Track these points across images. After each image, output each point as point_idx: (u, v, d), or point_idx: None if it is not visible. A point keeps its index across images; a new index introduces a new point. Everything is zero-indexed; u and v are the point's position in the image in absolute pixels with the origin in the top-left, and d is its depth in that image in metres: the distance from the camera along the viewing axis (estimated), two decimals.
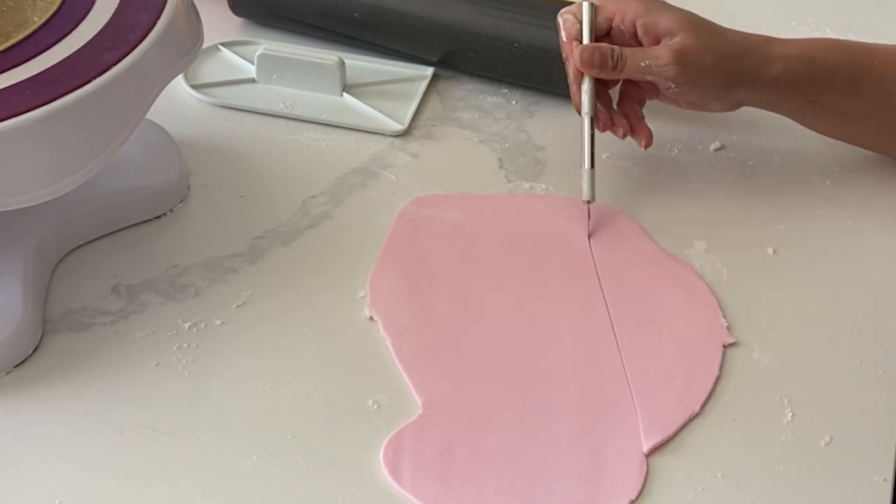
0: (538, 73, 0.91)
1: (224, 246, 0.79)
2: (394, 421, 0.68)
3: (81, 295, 0.75)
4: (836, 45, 0.81)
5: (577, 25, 0.80)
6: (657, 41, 0.78)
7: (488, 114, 0.91)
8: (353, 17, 0.93)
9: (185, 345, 0.72)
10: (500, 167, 0.86)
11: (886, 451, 0.67)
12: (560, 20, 0.81)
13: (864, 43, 0.82)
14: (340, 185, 0.84)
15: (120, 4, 0.72)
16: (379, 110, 0.90)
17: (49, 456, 0.66)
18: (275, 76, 0.92)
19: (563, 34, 0.81)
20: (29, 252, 0.74)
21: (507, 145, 0.88)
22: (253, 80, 0.93)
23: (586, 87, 0.80)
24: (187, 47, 0.75)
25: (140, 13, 0.72)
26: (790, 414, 0.69)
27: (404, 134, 0.89)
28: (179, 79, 0.90)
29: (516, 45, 0.90)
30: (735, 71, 0.79)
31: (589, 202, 0.79)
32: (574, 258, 0.78)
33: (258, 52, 0.92)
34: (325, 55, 0.92)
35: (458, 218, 0.81)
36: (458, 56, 0.92)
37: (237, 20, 0.99)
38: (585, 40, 0.80)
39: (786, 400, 0.70)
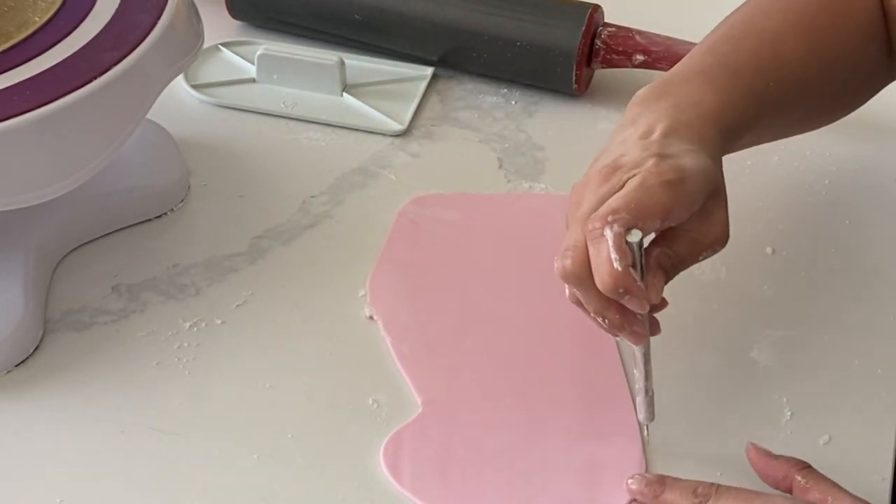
0: (540, 72, 0.91)
1: (224, 246, 0.79)
2: (394, 420, 0.68)
3: (82, 294, 0.75)
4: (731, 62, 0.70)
5: (630, 249, 0.60)
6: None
7: (488, 113, 0.91)
8: (352, 19, 0.93)
9: (186, 344, 0.72)
10: (500, 167, 0.86)
11: (885, 451, 0.67)
12: (612, 239, 0.59)
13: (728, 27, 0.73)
14: (340, 184, 0.84)
15: (120, 5, 0.72)
16: (379, 110, 0.90)
17: (49, 456, 0.66)
18: (275, 76, 0.92)
19: (615, 254, 0.59)
20: (30, 251, 0.74)
21: (507, 145, 0.88)
22: (253, 80, 0.93)
23: (644, 318, 0.62)
24: (187, 47, 0.75)
25: (140, 13, 0.72)
26: (789, 413, 0.69)
27: (404, 134, 0.89)
28: (180, 79, 0.90)
29: (518, 43, 0.90)
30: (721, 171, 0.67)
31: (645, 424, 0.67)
32: None
33: (258, 52, 0.92)
34: (325, 55, 0.92)
35: (458, 218, 0.81)
36: (459, 55, 0.92)
37: (238, 20, 0.99)
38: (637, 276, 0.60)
39: (785, 399, 0.70)
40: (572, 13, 0.89)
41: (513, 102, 0.92)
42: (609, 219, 0.59)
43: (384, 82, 0.93)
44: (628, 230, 0.59)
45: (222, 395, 0.70)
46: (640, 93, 0.69)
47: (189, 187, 0.83)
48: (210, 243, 0.79)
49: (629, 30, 0.90)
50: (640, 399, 0.65)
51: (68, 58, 0.68)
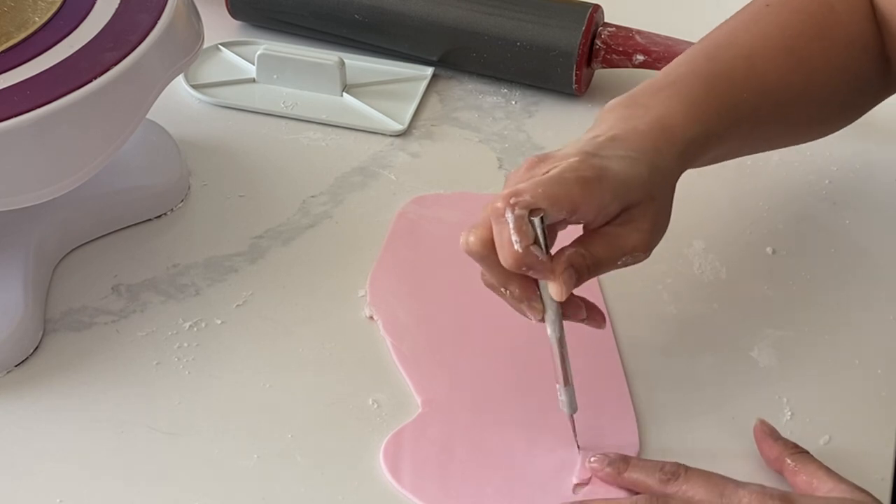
0: (540, 72, 0.91)
1: (224, 246, 0.79)
2: (394, 420, 0.68)
3: (82, 294, 0.75)
4: (703, 88, 0.70)
5: (530, 227, 0.61)
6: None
7: (488, 113, 0.91)
8: (352, 19, 0.93)
9: (186, 344, 0.72)
10: (500, 167, 0.86)
11: (885, 451, 0.67)
12: (510, 216, 0.60)
13: (697, 50, 0.73)
14: (340, 185, 0.84)
15: (120, 5, 0.72)
16: (379, 110, 0.90)
17: (49, 455, 0.66)
18: (275, 76, 0.92)
19: (515, 236, 0.60)
20: (30, 251, 0.74)
21: (507, 145, 0.88)
22: (253, 80, 0.93)
23: (552, 306, 0.64)
24: (187, 47, 0.75)
25: (140, 13, 0.72)
26: (789, 413, 0.69)
27: (404, 134, 0.89)
28: (180, 79, 0.90)
29: (518, 43, 0.90)
30: (673, 191, 0.68)
31: (572, 414, 0.66)
32: None
33: (258, 52, 0.92)
34: (325, 55, 0.92)
35: (458, 218, 0.81)
36: (459, 55, 0.92)
37: (237, 20, 0.99)
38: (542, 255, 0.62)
39: (785, 399, 0.70)
40: (572, 13, 0.89)
41: (513, 102, 0.92)
42: (512, 201, 0.60)
43: (384, 82, 0.93)
44: (532, 212, 0.60)
45: (222, 395, 0.70)
46: (611, 101, 0.70)
47: (189, 187, 0.83)
48: (210, 243, 0.79)
49: (629, 30, 0.90)
50: (559, 389, 0.65)
51: (68, 58, 0.68)
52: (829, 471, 0.63)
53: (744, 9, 0.75)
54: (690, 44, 0.88)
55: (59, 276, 0.77)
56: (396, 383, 0.70)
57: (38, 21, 0.71)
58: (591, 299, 0.75)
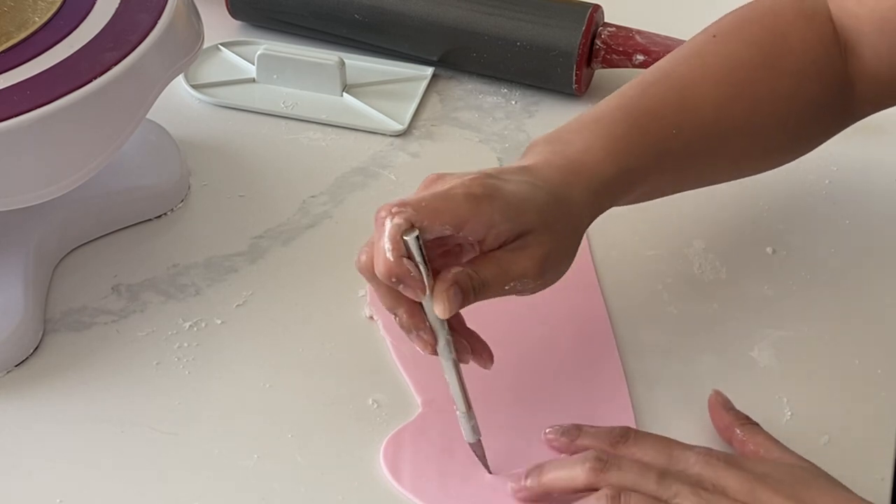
0: (540, 72, 0.91)
1: (224, 246, 0.79)
2: (394, 420, 0.68)
3: (82, 294, 0.75)
4: (620, 124, 0.69)
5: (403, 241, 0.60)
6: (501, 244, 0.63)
7: (488, 114, 0.91)
8: (352, 19, 0.93)
9: (186, 344, 0.72)
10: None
11: (885, 451, 0.67)
12: (388, 225, 0.60)
13: (628, 89, 0.71)
14: (340, 185, 0.84)
15: (120, 4, 0.72)
16: (379, 110, 0.90)
17: (49, 456, 0.66)
18: (275, 76, 0.92)
19: (388, 244, 0.60)
20: (30, 252, 0.74)
21: (507, 145, 0.88)
22: (253, 80, 0.93)
23: (435, 320, 0.62)
24: (187, 47, 0.75)
25: (140, 13, 0.72)
26: (789, 413, 0.69)
27: (404, 134, 0.89)
28: (180, 79, 0.90)
29: (518, 43, 0.90)
30: (583, 229, 0.67)
31: (475, 442, 0.65)
32: None
33: (258, 52, 0.92)
34: (325, 55, 0.92)
35: None
36: (459, 55, 0.92)
37: (237, 20, 0.99)
38: (423, 275, 0.61)
39: (785, 399, 0.70)
40: (572, 13, 0.89)
41: (513, 102, 0.92)
42: (393, 210, 0.60)
43: (384, 82, 0.93)
44: (411, 226, 0.59)
45: (222, 395, 0.70)
46: (536, 138, 0.69)
47: (189, 187, 0.83)
48: (210, 243, 0.79)
49: (629, 30, 0.90)
50: (459, 416, 0.64)
51: (68, 58, 0.68)
52: (776, 442, 0.64)
53: (690, 40, 0.74)
54: None
55: (59, 276, 0.77)
56: (396, 383, 0.70)
57: (38, 21, 0.71)
58: (589, 299, 0.75)
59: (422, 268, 0.60)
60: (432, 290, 0.61)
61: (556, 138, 0.68)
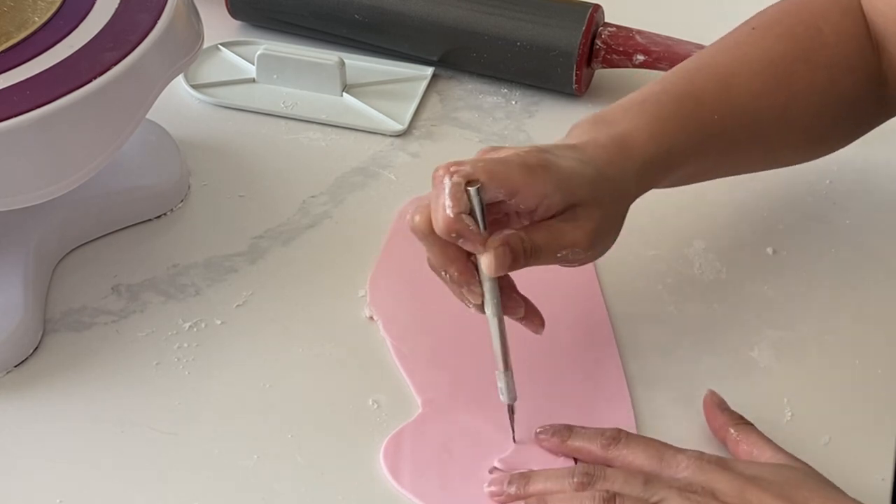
0: (540, 72, 0.91)
1: (224, 246, 0.79)
2: (394, 420, 0.68)
3: (82, 294, 0.75)
4: (669, 100, 0.71)
5: (465, 198, 0.62)
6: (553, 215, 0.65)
7: (488, 114, 0.91)
8: (352, 19, 0.93)
9: (186, 344, 0.72)
10: None
11: (886, 451, 0.67)
12: (447, 182, 0.62)
13: (681, 70, 0.74)
14: (340, 185, 0.84)
15: (120, 4, 0.72)
16: (379, 110, 0.90)
17: (49, 456, 0.66)
18: (275, 76, 0.92)
19: (448, 201, 0.62)
20: (29, 252, 0.74)
21: (507, 145, 0.88)
22: (253, 80, 0.93)
23: (489, 285, 0.64)
24: (187, 47, 0.75)
25: (140, 13, 0.72)
26: (790, 414, 0.69)
27: (404, 134, 0.89)
28: (179, 79, 0.90)
29: (518, 43, 0.90)
30: (627, 205, 0.69)
31: (511, 404, 0.66)
32: None
33: (258, 52, 0.92)
34: (325, 55, 0.92)
35: None
36: (459, 55, 0.92)
37: (237, 20, 0.99)
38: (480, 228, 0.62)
39: (785, 399, 0.70)
40: (572, 13, 0.89)
41: (513, 102, 0.92)
42: (452, 169, 0.62)
43: (384, 82, 0.93)
44: (469, 183, 0.62)
45: (222, 395, 0.70)
46: (581, 118, 0.71)
47: (189, 187, 0.83)
48: (210, 243, 0.79)
49: (629, 30, 0.90)
50: (498, 375, 0.66)
51: (68, 58, 0.68)
52: (769, 442, 0.64)
53: (730, 32, 0.76)
54: (691, 44, 0.88)
55: (59, 276, 0.77)
56: (396, 383, 0.70)
57: (38, 21, 0.71)
58: (590, 298, 0.75)
59: (480, 222, 0.62)
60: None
61: (601, 119, 0.70)
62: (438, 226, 0.62)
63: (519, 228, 0.64)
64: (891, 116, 0.78)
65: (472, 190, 0.61)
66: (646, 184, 0.69)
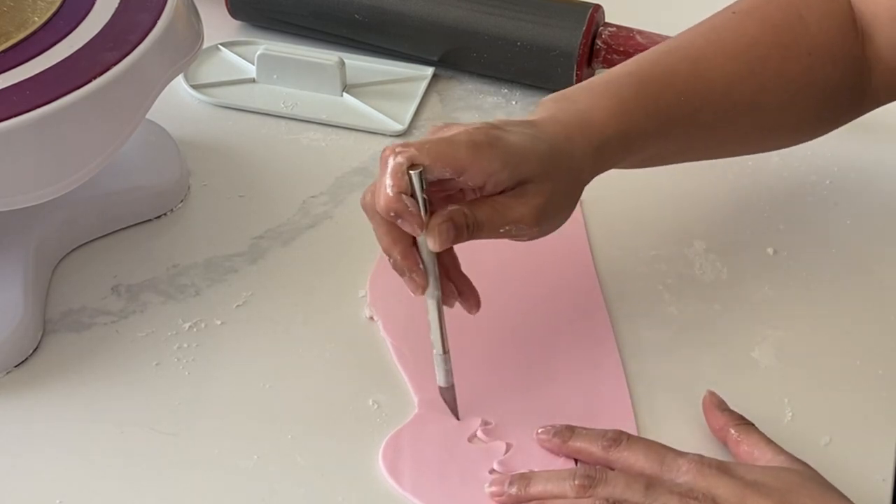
0: (540, 72, 0.91)
1: (224, 246, 0.79)
2: (393, 421, 0.68)
3: (82, 295, 0.75)
4: (635, 81, 0.70)
5: (406, 179, 0.62)
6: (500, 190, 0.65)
7: (488, 114, 0.91)
8: (352, 19, 0.93)
9: (186, 345, 0.72)
10: None
11: (886, 452, 0.67)
12: (391, 163, 0.62)
13: (647, 55, 0.73)
14: (340, 185, 0.84)
15: (120, 4, 0.72)
16: (379, 110, 0.90)
17: (49, 456, 0.66)
18: (275, 76, 0.92)
19: (389, 180, 0.62)
20: (29, 252, 0.74)
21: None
22: (253, 80, 0.93)
23: (429, 261, 0.64)
24: (187, 47, 0.75)
25: (140, 13, 0.72)
26: (790, 414, 0.69)
27: (404, 134, 0.89)
28: (179, 79, 0.90)
29: (518, 43, 0.90)
30: (582, 184, 0.69)
31: (446, 388, 0.68)
32: (573, 258, 0.78)
33: (258, 52, 0.92)
34: (325, 55, 0.92)
35: None
36: (459, 55, 0.92)
37: (237, 20, 0.99)
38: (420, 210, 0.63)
39: (786, 400, 0.70)
40: (573, 13, 0.89)
41: (513, 102, 0.92)
42: (397, 149, 0.63)
43: (384, 82, 0.93)
44: (413, 166, 0.62)
45: (222, 396, 0.70)
46: (547, 96, 0.71)
47: (189, 187, 0.83)
48: (210, 243, 0.79)
49: (630, 30, 0.90)
50: (435, 357, 0.66)
51: (68, 58, 0.68)
52: (770, 442, 0.64)
53: (711, 16, 0.75)
54: None
55: (59, 277, 0.77)
56: (396, 383, 0.70)
57: (38, 21, 0.71)
58: (590, 298, 0.75)
59: (420, 204, 0.62)
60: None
61: (564, 97, 0.70)
62: (379, 204, 0.63)
63: (463, 203, 0.64)
64: (875, 106, 0.77)
65: (413, 173, 0.62)
66: (603, 163, 0.69)
